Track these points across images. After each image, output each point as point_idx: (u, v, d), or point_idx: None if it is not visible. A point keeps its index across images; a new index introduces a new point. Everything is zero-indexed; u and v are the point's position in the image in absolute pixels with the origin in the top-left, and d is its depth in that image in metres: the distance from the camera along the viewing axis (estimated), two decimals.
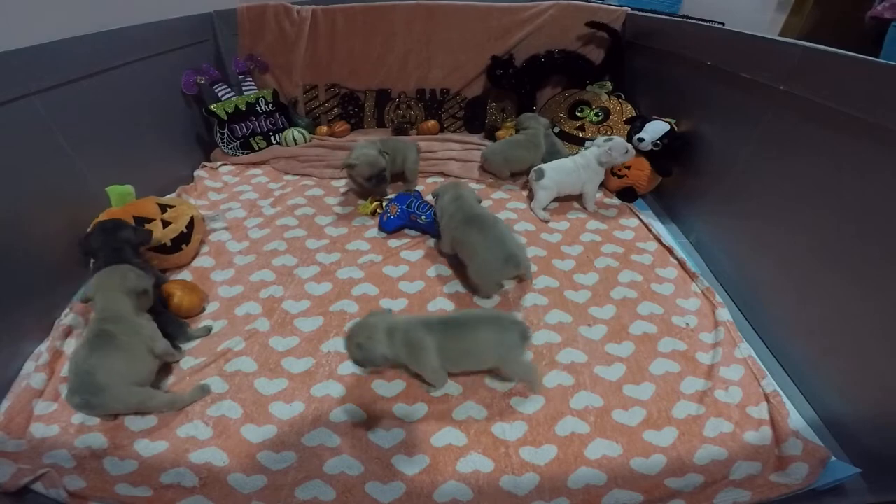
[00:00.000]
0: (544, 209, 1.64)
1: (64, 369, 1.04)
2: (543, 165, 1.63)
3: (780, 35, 2.30)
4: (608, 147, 1.58)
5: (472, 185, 1.84)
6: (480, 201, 1.39)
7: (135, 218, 1.24)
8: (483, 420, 0.95)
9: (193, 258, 1.40)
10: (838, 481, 0.81)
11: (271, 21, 2.09)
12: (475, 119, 2.28)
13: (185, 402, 0.97)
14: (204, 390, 1.00)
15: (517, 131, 1.89)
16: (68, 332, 1.13)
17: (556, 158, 1.69)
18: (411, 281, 1.31)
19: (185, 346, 1.11)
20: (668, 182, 1.69)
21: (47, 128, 1.24)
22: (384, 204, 1.59)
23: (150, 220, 1.26)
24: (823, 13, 2.81)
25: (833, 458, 0.84)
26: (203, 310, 1.23)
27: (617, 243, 1.49)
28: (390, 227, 1.49)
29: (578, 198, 1.71)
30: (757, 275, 1.22)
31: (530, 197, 1.71)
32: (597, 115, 1.98)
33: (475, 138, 2.19)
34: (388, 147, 1.65)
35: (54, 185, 1.25)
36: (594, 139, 1.77)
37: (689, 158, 1.56)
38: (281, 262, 1.40)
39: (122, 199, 1.27)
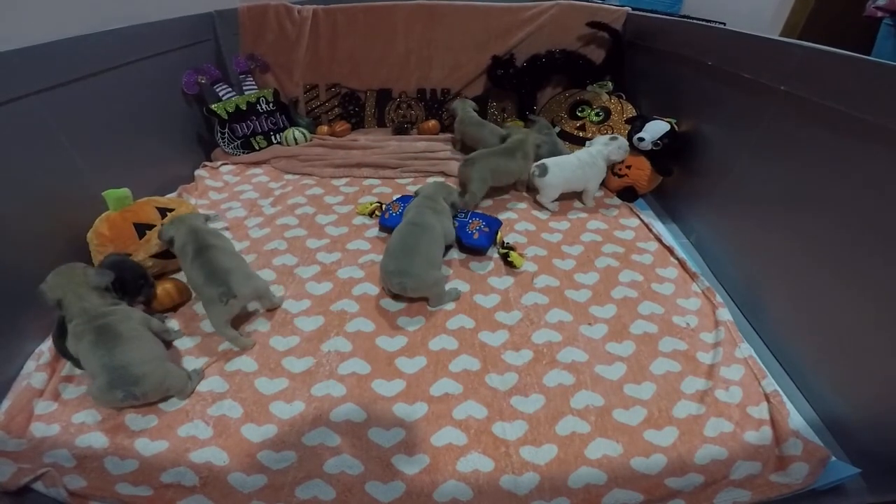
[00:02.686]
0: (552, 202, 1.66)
1: (65, 368, 1.04)
2: (546, 161, 1.62)
3: (781, 35, 2.30)
4: (617, 146, 1.61)
5: None
6: (456, 207, 1.41)
7: (135, 225, 1.25)
8: (483, 419, 0.95)
9: None
10: (838, 481, 0.81)
11: (272, 21, 2.09)
12: None
13: (192, 384, 1.00)
14: (198, 374, 1.03)
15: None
16: None
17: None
18: None
19: (184, 346, 1.12)
20: (669, 182, 1.69)
21: (49, 127, 1.24)
22: (384, 204, 1.59)
23: (150, 227, 1.26)
24: (824, 13, 2.81)
25: (833, 459, 0.84)
26: (185, 301, 1.23)
27: (617, 243, 1.49)
28: (392, 224, 1.49)
29: (578, 196, 1.71)
30: (757, 275, 1.22)
31: (532, 194, 1.71)
32: (597, 114, 1.98)
33: None
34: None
35: (55, 184, 1.25)
36: (595, 139, 1.78)
37: (689, 158, 1.56)
38: (281, 261, 1.40)
39: (119, 203, 1.27)
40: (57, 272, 1.00)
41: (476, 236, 1.39)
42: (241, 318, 1.19)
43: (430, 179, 1.89)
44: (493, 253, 1.42)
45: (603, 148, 1.63)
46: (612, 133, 1.92)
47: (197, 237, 1.13)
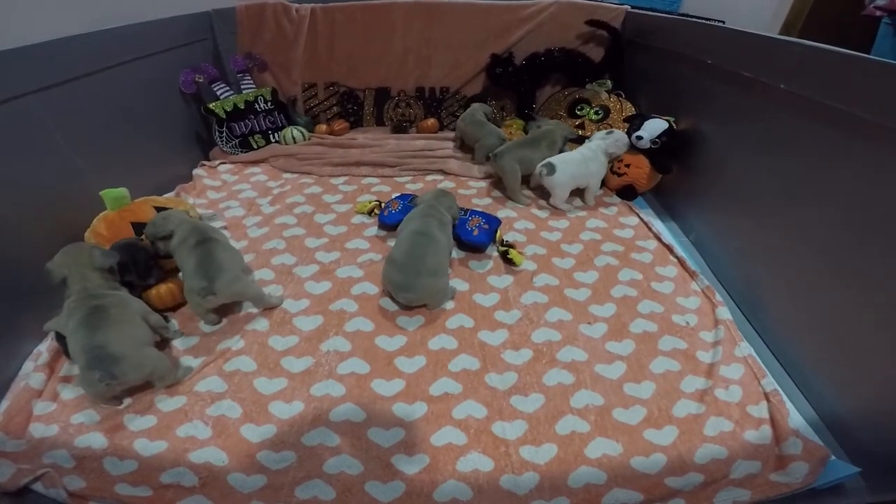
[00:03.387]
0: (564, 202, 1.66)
1: (63, 369, 1.04)
2: (552, 159, 1.62)
3: (780, 34, 2.30)
4: (614, 139, 1.61)
5: (473, 183, 1.84)
6: (455, 219, 1.38)
7: (133, 225, 1.24)
8: (483, 419, 0.95)
9: None
10: (838, 481, 0.81)
11: (270, 19, 2.08)
12: None
13: (176, 373, 1.01)
14: (188, 368, 1.04)
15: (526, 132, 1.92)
16: None
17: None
18: None
19: (182, 346, 1.11)
20: (668, 180, 1.69)
21: (46, 127, 1.24)
22: (384, 203, 1.59)
23: None
24: (824, 11, 2.81)
25: (833, 458, 0.84)
26: (185, 302, 1.21)
27: (617, 241, 1.48)
28: (392, 221, 1.48)
29: (578, 194, 1.71)
30: (757, 273, 1.22)
31: (541, 195, 1.70)
32: (596, 113, 1.98)
33: None
34: None
35: (53, 184, 1.25)
36: (593, 135, 1.79)
37: (689, 157, 1.56)
38: (280, 260, 1.40)
39: (117, 203, 1.27)
40: (64, 251, 1.01)
41: (476, 233, 1.39)
42: (241, 319, 1.19)
43: (430, 177, 1.90)
44: (493, 252, 1.42)
45: (601, 142, 1.64)
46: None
47: (199, 231, 1.14)
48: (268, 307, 1.21)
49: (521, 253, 1.38)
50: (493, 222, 1.45)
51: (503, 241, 1.42)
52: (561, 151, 1.75)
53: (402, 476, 0.85)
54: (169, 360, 1.01)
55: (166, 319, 1.13)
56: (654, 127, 1.59)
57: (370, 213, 1.60)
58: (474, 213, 1.48)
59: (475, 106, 2.02)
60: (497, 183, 1.84)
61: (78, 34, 1.33)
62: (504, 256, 1.37)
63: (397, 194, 1.64)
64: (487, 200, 1.72)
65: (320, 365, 1.06)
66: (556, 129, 1.78)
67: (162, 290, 1.17)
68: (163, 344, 1.10)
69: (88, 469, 0.85)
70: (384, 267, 1.21)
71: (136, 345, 0.95)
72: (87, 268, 0.99)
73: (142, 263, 1.13)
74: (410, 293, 1.14)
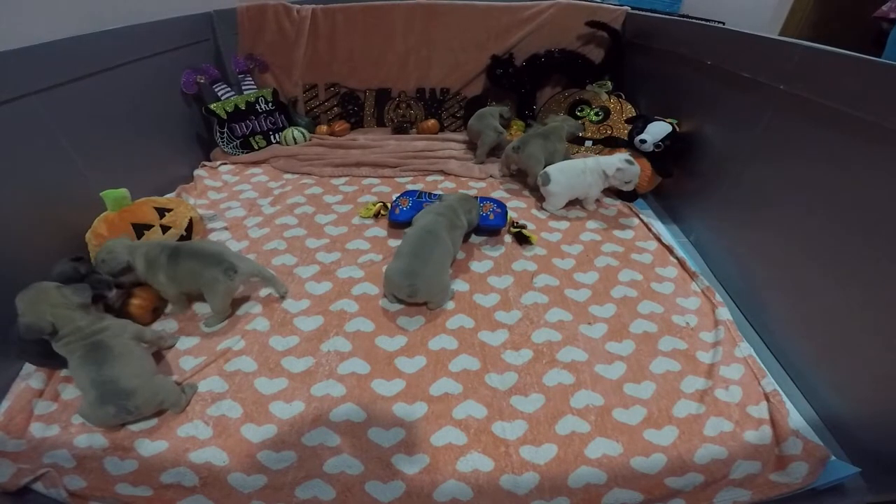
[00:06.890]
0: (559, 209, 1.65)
1: (64, 371, 1.04)
2: (548, 169, 1.61)
3: (781, 34, 2.30)
4: (617, 170, 1.53)
5: (473, 183, 1.85)
6: (472, 224, 1.37)
7: (133, 226, 1.25)
8: (483, 419, 0.95)
9: None
10: (838, 481, 0.81)
11: (271, 20, 2.09)
12: None
13: (186, 396, 0.98)
14: (192, 388, 1.00)
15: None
16: None
17: (556, 158, 1.70)
18: None
19: (182, 346, 1.11)
20: (669, 181, 1.69)
21: (47, 127, 1.24)
22: (389, 203, 1.60)
23: (149, 227, 1.26)
24: (824, 12, 2.81)
25: (833, 458, 0.84)
26: (164, 304, 1.21)
27: (617, 242, 1.49)
28: (403, 219, 1.49)
29: (576, 201, 1.70)
30: (757, 274, 1.22)
31: (539, 199, 1.71)
32: (597, 114, 1.98)
33: None
34: None
35: (54, 184, 1.25)
36: (594, 139, 1.78)
37: (689, 158, 1.56)
38: (280, 261, 1.40)
39: (117, 204, 1.27)
40: (29, 300, 0.91)
41: (492, 217, 1.46)
42: (241, 319, 1.19)
43: (430, 177, 1.90)
44: (493, 252, 1.42)
45: (609, 164, 1.55)
46: (612, 133, 1.93)
47: (163, 245, 1.13)
48: (281, 293, 1.24)
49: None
50: (503, 207, 1.53)
51: (514, 223, 1.49)
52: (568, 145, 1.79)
53: (402, 476, 0.85)
54: (175, 385, 0.98)
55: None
56: (657, 130, 1.58)
57: (376, 215, 1.60)
58: (484, 199, 1.54)
59: (494, 107, 2.03)
60: (497, 184, 1.84)
61: (80, 35, 1.34)
62: (519, 235, 1.44)
63: (404, 192, 1.65)
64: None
65: (321, 365, 1.07)
66: (562, 125, 1.82)
67: (133, 310, 1.13)
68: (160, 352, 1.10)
69: (89, 469, 0.85)
70: (391, 261, 1.21)
71: (145, 376, 0.93)
72: (67, 308, 0.92)
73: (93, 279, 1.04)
74: (415, 280, 1.13)
